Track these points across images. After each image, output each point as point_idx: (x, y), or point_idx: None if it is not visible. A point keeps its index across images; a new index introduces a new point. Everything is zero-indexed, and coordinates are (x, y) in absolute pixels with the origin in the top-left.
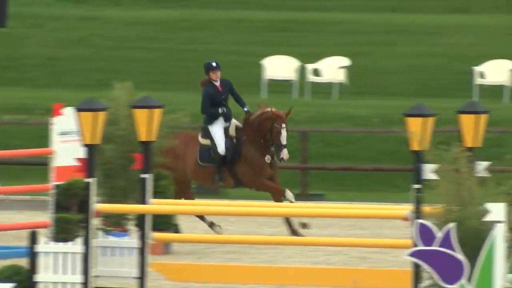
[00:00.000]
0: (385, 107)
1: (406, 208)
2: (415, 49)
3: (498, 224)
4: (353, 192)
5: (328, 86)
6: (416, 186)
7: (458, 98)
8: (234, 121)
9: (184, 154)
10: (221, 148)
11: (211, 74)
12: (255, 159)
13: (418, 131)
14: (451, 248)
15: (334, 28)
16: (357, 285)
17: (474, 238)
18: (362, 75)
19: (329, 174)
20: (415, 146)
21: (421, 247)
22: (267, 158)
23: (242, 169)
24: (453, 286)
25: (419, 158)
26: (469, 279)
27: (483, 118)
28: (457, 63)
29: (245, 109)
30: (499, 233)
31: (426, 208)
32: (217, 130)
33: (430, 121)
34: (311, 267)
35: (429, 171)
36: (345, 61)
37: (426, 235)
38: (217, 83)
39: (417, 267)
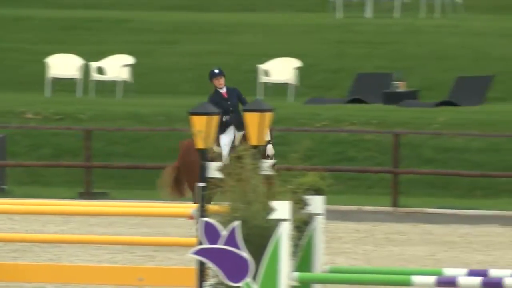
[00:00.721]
0: (169, 105)
1: (191, 206)
2: (201, 47)
3: (283, 223)
4: (138, 190)
5: (112, 84)
6: (201, 184)
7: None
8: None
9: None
10: (224, 157)
11: (215, 81)
12: None
13: (203, 129)
14: (236, 247)
15: (118, 27)
16: (142, 283)
17: (260, 236)
18: (146, 73)
19: (113, 173)
20: (200, 144)
21: (206, 245)
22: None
23: None
24: (239, 284)
25: (203, 156)
26: (254, 277)
27: (268, 116)
28: (244, 61)
29: None
30: (284, 231)
31: (211, 206)
32: (223, 139)
33: (215, 119)
34: (95, 266)
35: (213, 169)
36: (129, 60)
37: (211, 233)
38: (223, 90)
39: (202, 265)
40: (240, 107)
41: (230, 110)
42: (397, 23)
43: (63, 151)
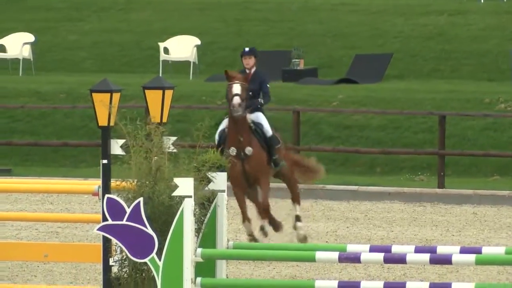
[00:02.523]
0: (71, 82)
1: (95, 183)
2: (101, 25)
3: (187, 199)
4: (40, 167)
5: (14, 62)
6: (104, 161)
7: (145, 74)
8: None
9: None
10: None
11: (243, 60)
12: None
13: (106, 105)
14: (141, 223)
15: (17, 5)
16: (47, 259)
17: (164, 213)
18: (47, 51)
19: (16, 150)
20: (103, 122)
21: (110, 222)
22: (231, 150)
23: None
24: (143, 260)
25: (106, 133)
26: (159, 253)
27: (168, 93)
28: (145, 39)
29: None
30: (187, 208)
31: (116, 183)
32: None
33: (116, 96)
34: (1, 242)
35: (117, 146)
36: (30, 38)
37: (115, 209)
38: (248, 72)
39: (107, 241)
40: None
41: (249, 93)
42: (295, 1)
43: None
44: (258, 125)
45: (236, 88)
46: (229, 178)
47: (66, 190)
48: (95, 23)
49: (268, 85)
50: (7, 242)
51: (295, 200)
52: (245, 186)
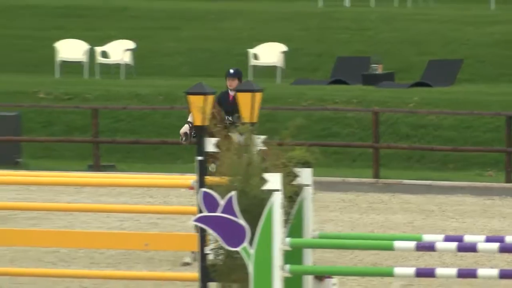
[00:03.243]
0: (169, 86)
1: (191, 178)
2: (195, 33)
3: (276, 193)
4: (141, 163)
5: (116, 67)
6: (200, 158)
7: None
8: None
9: None
10: None
11: (227, 81)
12: None
13: (200, 107)
14: (233, 214)
15: (119, 14)
16: (148, 248)
17: (255, 205)
18: (146, 57)
19: (119, 147)
20: (198, 121)
21: (206, 214)
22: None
23: None
24: (236, 249)
25: (201, 132)
26: (250, 243)
27: (258, 96)
28: (235, 46)
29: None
30: (276, 201)
31: (210, 178)
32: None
33: (210, 98)
34: (105, 232)
35: (211, 144)
36: (131, 44)
37: (210, 202)
38: (231, 92)
39: (202, 231)
40: None
41: (230, 112)
42: (373, 11)
43: (73, 127)
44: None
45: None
46: None
47: (165, 185)
48: (190, 31)
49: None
50: (111, 232)
51: None
52: None
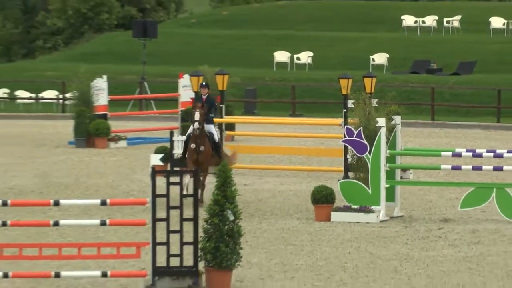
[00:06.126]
0: None
1: (339, 120)
2: None
3: (382, 128)
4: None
5: None
6: (344, 110)
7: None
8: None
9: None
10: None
11: (200, 89)
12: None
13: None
14: (361, 138)
15: None
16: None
17: (372, 134)
18: None
19: None
20: (343, 91)
21: (348, 138)
22: (192, 145)
23: None
24: (362, 155)
25: (345, 98)
26: (369, 152)
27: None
28: None
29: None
30: (382, 132)
31: (350, 121)
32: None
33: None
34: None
35: (351, 104)
36: None
37: (350, 132)
38: (204, 97)
39: (346, 148)
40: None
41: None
42: (436, 38)
43: None
44: (210, 134)
45: (197, 115)
46: (187, 158)
47: (322, 123)
48: None
49: (216, 104)
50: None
51: None
52: (195, 165)
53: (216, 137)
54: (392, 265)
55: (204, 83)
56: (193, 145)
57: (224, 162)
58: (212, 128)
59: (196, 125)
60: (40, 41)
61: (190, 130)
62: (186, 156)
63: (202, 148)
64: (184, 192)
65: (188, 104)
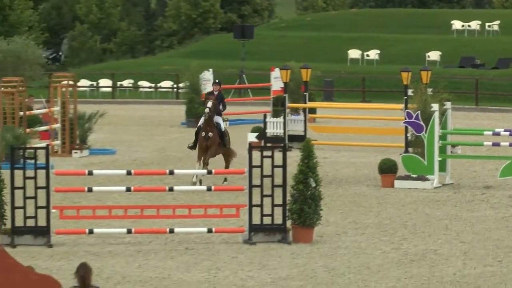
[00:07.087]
0: None
1: (401, 106)
2: None
3: (435, 111)
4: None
5: None
6: (405, 97)
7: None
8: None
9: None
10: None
11: (213, 86)
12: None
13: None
14: (419, 120)
15: None
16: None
17: (427, 116)
18: None
19: None
20: (404, 82)
21: (408, 120)
22: (203, 133)
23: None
24: (419, 134)
25: (406, 87)
26: (425, 132)
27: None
28: None
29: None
30: (436, 114)
31: (410, 106)
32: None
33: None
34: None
35: (411, 92)
36: None
37: (410, 115)
38: (215, 93)
39: (406, 128)
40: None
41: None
42: (480, 38)
43: None
44: (218, 124)
45: (209, 104)
46: (198, 146)
47: (385, 108)
48: None
49: (224, 100)
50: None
51: (227, 165)
52: (205, 152)
53: (223, 127)
54: (443, 223)
55: (217, 81)
56: (203, 133)
57: (308, 139)
58: (220, 120)
59: (207, 110)
60: (159, 41)
61: (200, 121)
62: (198, 143)
63: (210, 134)
64: (193, 180)
65: (278, 92)
